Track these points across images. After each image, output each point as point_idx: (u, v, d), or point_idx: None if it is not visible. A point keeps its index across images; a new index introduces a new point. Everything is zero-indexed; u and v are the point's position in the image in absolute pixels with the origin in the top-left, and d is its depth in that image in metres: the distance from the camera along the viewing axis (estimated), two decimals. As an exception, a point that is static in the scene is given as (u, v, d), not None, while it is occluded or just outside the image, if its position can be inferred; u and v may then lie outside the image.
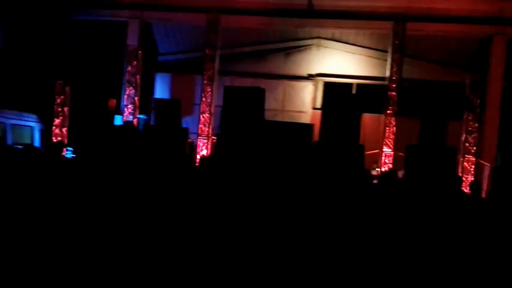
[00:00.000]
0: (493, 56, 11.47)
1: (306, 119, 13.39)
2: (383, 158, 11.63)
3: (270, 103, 13.26)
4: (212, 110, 12.07)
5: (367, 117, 12.23)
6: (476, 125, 11.37)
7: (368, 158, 11.83)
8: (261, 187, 9.25)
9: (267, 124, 11.99)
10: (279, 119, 13.43)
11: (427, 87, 11.83)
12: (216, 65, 12.13)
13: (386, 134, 11.60)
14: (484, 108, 11.53)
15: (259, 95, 11.44)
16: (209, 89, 12.01)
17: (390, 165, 11.57)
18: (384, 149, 11.64)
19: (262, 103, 11.53)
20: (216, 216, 5.35)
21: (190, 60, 13.34)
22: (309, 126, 12.08)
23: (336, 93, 12.51)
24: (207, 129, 11.97)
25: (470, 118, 11.39)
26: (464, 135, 11.47)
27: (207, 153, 11.77)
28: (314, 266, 4.27)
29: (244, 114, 10.93)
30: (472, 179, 11.19)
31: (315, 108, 13.20)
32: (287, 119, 13.29)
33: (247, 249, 4.62)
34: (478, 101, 11.37)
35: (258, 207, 7.33)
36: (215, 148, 11.65)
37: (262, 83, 12.65)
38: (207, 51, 12.10)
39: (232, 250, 4.46)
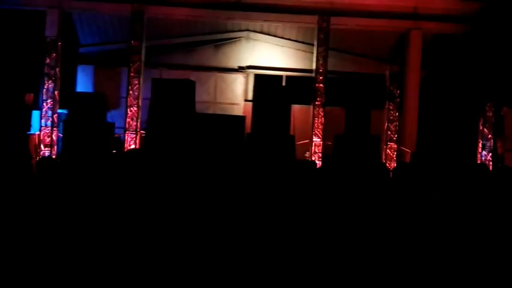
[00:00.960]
0: (410, 49, 12.21)
1: (238, 111, 13.43)
2: (313, 147, 11.97)
3: (201, 95, 13.12)
4: (140, 103, 11.68)
5: (296, 109, 12.55)
6: (397, 113, 12.07)
7: (299, 148, 12.16)
8: (192, 180, 9.12)
9: (199, 117, 11.89)
10: (211, 111, 13.36)
11: (351, 79, 12.36)
12: (143, 57, 11.74)
13: (315, 125, 11.94)
14: (403, 98, 12.27)
15: (189, 87, 11.29)
16: (136, 82, 11.60)
17: (320, 155, 11.95)
18: (313, 139, 11.99)
19: (192, 95, 11.40)
20: (140, 213, 5.14)
21: (115, 52, 12.79)
22: (241, 118, 12.17)
23: (267, 85, 12.65)
24: (134, 123, 11.57)
25: (391, 108, 12.07)
26: (386, 124, 12.14)
27: (135, 148, 11.39)
28: (242, 256, 4.27)
29: (174, 107, 10.73)
30: (395, 165, 11.90)
31: (246, 100, 13.26)
32: (219, 112, 13.24)
33: (172, 246, 4.51)
34: (398, 92, 12.07)
35: (188, 201, 7.21)
36: (144, 142, 11.33)
37: (192, 76, 12.50)
38: (132, 42, 11.67)
39: (155, 247, 4.33)
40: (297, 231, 5.53)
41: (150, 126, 10.33)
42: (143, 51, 11.76)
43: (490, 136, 11.59)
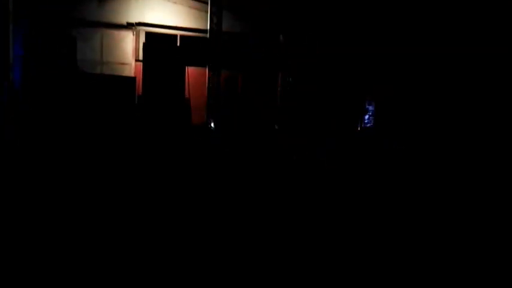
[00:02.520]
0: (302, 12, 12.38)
1: (129, 71, 12.52)
2: (209, 111, 11.70)
3: (86, 53, 11.95)
4: (11, 61, 10.17)
5: (191, 70, 12.07)
6: (290, 78, 12.29)
7: (195, 111, 11.82)
8: (76, 146, 8.28)
9: (82, 77, 10.80)
10: (98, 71, 12.28)
11: (246, 41, 12.20)
12: (11, 6, 10.12)
13: (211, 88, 11.64)
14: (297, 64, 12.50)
15: (69, 43, 10.11)
16: (4, 35, 10.01)
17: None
18: (209, 103, 11.70)
19: (73, 53, 10.25)
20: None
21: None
22: (131, 80, 11.32)
23: (160, 44, 11.90)
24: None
25: (283, 72, 12.23)
26: (279, 88, 12.31)
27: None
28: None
29: (51, 65, 9.55)
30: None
31: (138, 60, 12.38)
32: (109, 72, 12.23)
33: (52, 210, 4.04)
34: (292, 56, 12.24)
35: (74, 163, 6.53)
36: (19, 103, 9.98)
37: (74, 31, 11.24)
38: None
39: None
40: (192, 195, 5.35)
41: (23, 87, 9.08)
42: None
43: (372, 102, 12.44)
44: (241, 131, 11.53)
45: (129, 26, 12.43)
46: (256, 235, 3.87)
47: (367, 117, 12.70)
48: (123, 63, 12.49)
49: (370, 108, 12.70)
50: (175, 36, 12.77)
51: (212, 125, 11.58)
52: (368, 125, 12.79)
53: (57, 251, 3.18)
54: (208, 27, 11.83)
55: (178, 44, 12.69)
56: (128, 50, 12.54)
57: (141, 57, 12.48)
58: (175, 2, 12.83)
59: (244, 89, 12.38)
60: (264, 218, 4.44)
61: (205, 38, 12.03)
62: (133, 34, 12.49)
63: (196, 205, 4.81)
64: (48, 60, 9.59)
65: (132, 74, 12.09)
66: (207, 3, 11.87)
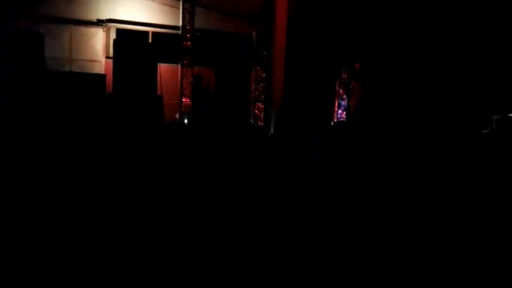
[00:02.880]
0: (277, 9, 12.42)
1: (99, 69, 12.32)
2: (182, 108, 11.66)
3: (54, 51, 11.71)
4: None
5: (163, 67, 11.98)
6: (264, 74, 12.32)
7: (167, 109, 11.74)
8: (46, 145, 8.11)
9: (51, 74, 10.57)
10: (67, 69, 12.04)
11: (219, 38, 12.18)
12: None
13: (184, 85, 11.59)
14: (270, 59, 12.54)
15: (36, 40, 9.87)
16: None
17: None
18: (182, 100, 11.65)
19: (41, 50, 10.01)
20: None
21: None
22: (100, 77, 11.16)
23: (131, 41, 11.75)
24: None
25: (258, 68, 12.25)
26: (254, 85, 12.33)
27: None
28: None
29: (18, 63, 9.31)
30: (261, 123, 12.29)
31: (108, 57, 12.18)
32: (78, 69, 12.00)
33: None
34: (265, 52, 12.27)
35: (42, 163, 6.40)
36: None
37: (41, 27, 10.98)
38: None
39: None
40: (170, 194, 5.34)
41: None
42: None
43: (344, 96, 12.60)
44: (215, 127, 11.51)
45: (100, 22, 12.22)
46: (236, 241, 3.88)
47: (339, 112, 12.86)
48: (93, 61, 12.28)
49: (343, 103, 12.86)
50: (147, 32, 12.63)
51: (186, 121, 11.53)
52: (341, 119, 12.96)
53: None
54: (181, 24, 11.77)
55: (150, 41, 12.56)
56: (98, 47, 12.33)
57: (111, 54, 12.31)
58: (146, -2, 12.69)
59: (218, 85, 12.36)
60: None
61: (177, 34, 11.95)
62: (103, 31, 12.29)
63: (165, 205, 4.79)
64: (15, 58, 9.37)
65: (102, 72, 11.89)
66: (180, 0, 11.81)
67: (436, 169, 8.03)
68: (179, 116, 11.68)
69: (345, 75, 12.48)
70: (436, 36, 12.57)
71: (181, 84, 11.60)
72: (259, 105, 12.30)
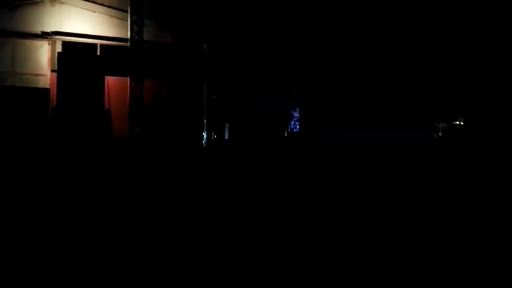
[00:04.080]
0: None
1: (45, 82, 11.87)
2: (132, 122, 11.39)
3: (-6, 65, 11.25)
4: None
5: (112, 80, 11.74)
6: (217, 87, 12.30)
7: (117, 123, 11.45)
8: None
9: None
10: (10, 83, 11.55)
11: (170, 51, 12.06)
12: None
13: (134, 98, 11.35)
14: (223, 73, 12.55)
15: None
16: None
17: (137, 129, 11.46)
18: (132, 113, 11.39)
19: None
20: None
21: None
22: (43, 91, 10.80)
23: (77, 54, 11.45)
24: None
25: (210, 80, 12.20)
26: (205, 98, 12.25)
27: None
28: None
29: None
30: (215, 135, 12.20)
31: (54, 71, 11.79)
32: (22, 84, 11.53)
33: None
34: (217, 65, 12.27)
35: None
36: None
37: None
38: None
39: None
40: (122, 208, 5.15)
41: None
42: None
43: (297, 108, 12.75)
44: (167, 140, 11.32)
45: (44, 35, 11.83)
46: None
47: (292, 123, 12.98)
48: (37, 74, 11.84)
49: (295, 114, 13.00)
50: (95, 45, 12.32)
51: (136, 135, 11.27)
52: (294, 130, 13.09)
53: None
54: (129, 36, 11.57)
55: (98, 53, 12.26)
56: (43, 60, 11.91)
57: (57, 67, 11.94)
58: (94, 11, 12.41)
59: (170, 97, 12.19)
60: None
61: (126, 47, 11.73)
62: (48, 44, 11.90)
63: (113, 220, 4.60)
64: None
65: (47, 85, 11.49)
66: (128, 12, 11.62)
67: (391, 174, 8.21)
68: (129, 129, 11.41)
69: (294, 90, 12.67)
70: (383, 52, 12.95)
71: (131, 96, 11.35)
72: (211, 118, 12.22)
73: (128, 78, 11.49)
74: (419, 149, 11.05)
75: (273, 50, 12.83)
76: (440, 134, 12.67)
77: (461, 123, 12.53)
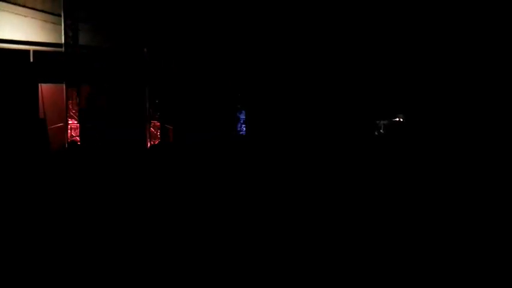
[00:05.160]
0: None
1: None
2: (69, 131, 10.99)
3: None
4: None
5: (46, 88, 11.27)
6: (158, 92, 12.05)
7: (53, 132, 11.00)
8: None
9: None
10: None
11: (109, 55, 11.70)
12: None
13: (70, 106, 10.95)
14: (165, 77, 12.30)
15: None
16: None
17: (77, 138, 11.07)
18: (69, 122, 10.99)
19: None
20: None
21: None
22: (-31, 102, 10.17)
23: (7, 61, 10.88)
24: None
25: (152, 85, 11.95)
26: (148, 102, 11.99)
27: None
28: None
29: None
30: (158, 141, 11.98)
31: (-18, 80, 11.13)
32: None
33: None
34: (159, 69, 12.02)
35: None
36: None
37: None
38: None
39: None
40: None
41: None
42: None
43: (242, 111, 12.74)
44: (109, 148, 10.96)
45: (-31, 41, 11.16)
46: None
47: (239, 125, 12.96)
48: (-35, 84, 11.15)
49: (242, 116, 12.99)
50: (27, 51, 11.74)
51: (74, 145, 10.86)
52: (241, 132, 13.07)
53: None
54: (64, 42, 11.16)
55: (31, 60, 11.70)
56: (-30, 68, 11.22)
57: (-13, 76, 11.26)
58: (26, 15, 11.79)
59: (110, 103, 11.81)
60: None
61: (61, 52, 11.29)
62: (-25, 51, 11.22)
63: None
64: None
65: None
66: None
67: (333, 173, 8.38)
68: (66, 140, 10.99)
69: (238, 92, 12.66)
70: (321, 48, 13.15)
71: (67, 105, 10.93)
72: (155, 122, 11.98)
73: (64, 85, 11.08)
74: (359, 147, 11.35)
75: (216, 53, 12.77)
76: (381, 130, 13.09)
77: (401, 120, 13.02)
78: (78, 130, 11.01)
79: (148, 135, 11.91)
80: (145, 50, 12.05)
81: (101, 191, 7.43)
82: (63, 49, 11.20)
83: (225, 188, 7.24)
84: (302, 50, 12.63)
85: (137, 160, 10.59)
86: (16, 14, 11.69)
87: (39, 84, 10.87)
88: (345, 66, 12.73)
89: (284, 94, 12.65)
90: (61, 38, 11.33)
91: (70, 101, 10.90)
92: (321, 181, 7.53)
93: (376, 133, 12.97)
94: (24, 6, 11.67)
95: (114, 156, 10.43)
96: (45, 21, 11.91)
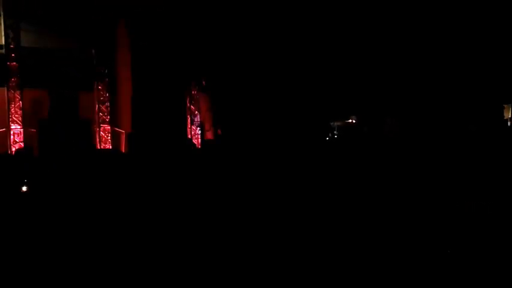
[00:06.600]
0: (118, 29, 11.85)
1: None
2: (12, 136, 10.41)
3: None
4: None
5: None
6: (107, 94, 11.63)
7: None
8: None
9: None
10: None
11: (53, 56, 11.18)
12: None
13: (12, 110, 10.39)
14: (115, 78, 11.90)
15: None
16: None
17: (22, 144, 10.51)
18: (12, 127, 10.42)
19: None
20: None
21: None
22: None
23: None
24: None
25: (100, 88, 11.53)
26: (97, 105, 11.56)
27: None
28: None
29: None
30: (110, 146, 11.58)
31: None
32: None
33: None
34: (107, 71, 11.61)
35: None
36: None
37: None
38: None
39: None
40: None
41: None
42: None
43: (196, 112, 12.53)
44: (53, 154, 10.46)
45: None
46: None
47: (193, 128, 12.75)
48: None
49: (196, 119, 12.78)
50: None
51: (16, 153, 10.28)
52: (196, 136, 12.87)
53: None
54: (4, 42, 10.57)
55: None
56: None
57: None
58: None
59: (55, 107, 11.28)
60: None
61: (1, 54, 10.68)
62: None
63: None
64: None
65: None
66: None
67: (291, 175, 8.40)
68: (9, 147, 10.40)
69: (194, 92, 12.44)
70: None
71: (9, 109, 10.36)
72: (104, 126, 11.56)
73: (5, 89, 10.49)
74: (314, 149, 11.46)
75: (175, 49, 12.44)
76: (335, 132, 13.28)
77: (353, 121, 13.26)
78: (22, 135, 10.44)
79: (98, 140, 11.47)
80: (93, 50, 11.61)
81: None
82: (2, 50, 10.61)
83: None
84: (251, 50, 12.56)
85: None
86: None
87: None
88: (298, 67, 12.78)
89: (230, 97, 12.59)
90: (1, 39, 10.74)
91: (12, 105, 10.33)
92: (269, 186, 7.51)
93: (330, 135, 13.15)
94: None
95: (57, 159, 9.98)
96: (-17, 20, 11.25)
